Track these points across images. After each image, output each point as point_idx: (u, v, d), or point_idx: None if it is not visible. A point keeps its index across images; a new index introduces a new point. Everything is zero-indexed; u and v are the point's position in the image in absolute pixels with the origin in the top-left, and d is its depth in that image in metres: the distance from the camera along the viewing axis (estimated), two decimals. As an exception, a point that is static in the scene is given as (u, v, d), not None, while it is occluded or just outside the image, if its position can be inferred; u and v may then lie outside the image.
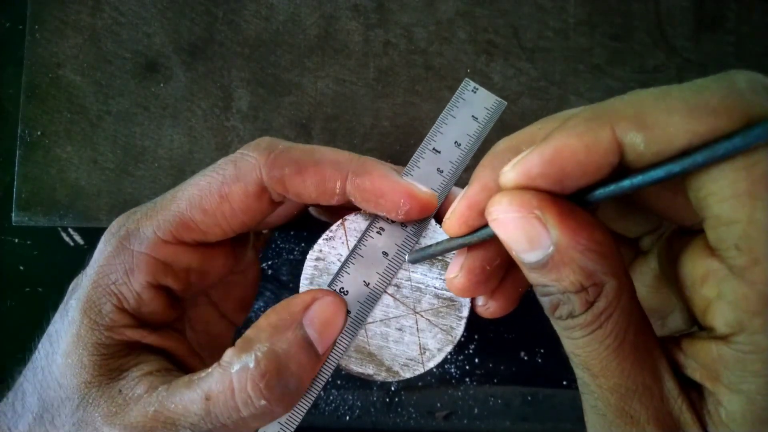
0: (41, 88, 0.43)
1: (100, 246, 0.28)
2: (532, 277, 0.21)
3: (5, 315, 0.46)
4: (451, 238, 0.25)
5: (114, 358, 0.27)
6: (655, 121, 0.18)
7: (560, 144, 0.19)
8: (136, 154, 0.43)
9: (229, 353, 0.25)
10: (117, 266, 0.28)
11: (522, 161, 0.20)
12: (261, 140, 0.28)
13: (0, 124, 0.46)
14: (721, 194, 0.18)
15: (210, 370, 0.25)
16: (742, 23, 0.45)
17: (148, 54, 0.44)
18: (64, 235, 0.46)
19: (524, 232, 0.20)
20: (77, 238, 0.46)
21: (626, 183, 0.19)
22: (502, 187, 0.21)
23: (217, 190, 0.27)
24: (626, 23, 0.45)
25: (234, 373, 0.24)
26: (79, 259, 0.46)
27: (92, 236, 0.46)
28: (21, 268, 0.47)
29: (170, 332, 0.30)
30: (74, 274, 0.41)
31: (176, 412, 0.25)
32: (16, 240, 0.47)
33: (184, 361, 0.30)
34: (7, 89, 0.46)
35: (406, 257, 0.28)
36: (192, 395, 0.25)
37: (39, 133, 0.43)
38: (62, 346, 0.27)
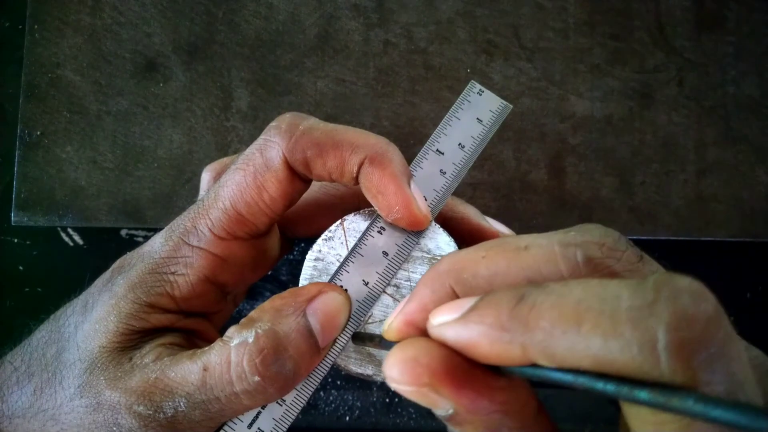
0: (41, 88, 0.43)
1: (159, 240, 0.29)
2: (442, 421, 0.21)
3: (5, 315, 0.46)
4: (390, 342, 0.25)
5: (140, 333, 0.27)
6: (563, 357, 0.17)
7: (471, 339, 0.19)
8: (136, 154, 0.43)
9: (231, 330, 0.26)
10: (178, 260, 0.28)
11: (440, 328, 0.20)
12: (282, 119, 0.28)
13: None
14: (641, 427, 0.18)
15: (213, 344, 0.26)
16: (742, 23, 0.45)
17: (147, 54, 0.44)
18: (63, 235, 0.46)
19: (421, 399, 0.20)
20: (77, 238, 0.46)
21: (539, 374, 0.18)
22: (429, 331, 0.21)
23: (253, 182, 0.28)
24: (626, 23, 0.45)
25: (233, 347, 0.25)
26: (78, 259, 0.46)
27: (92, 236, 0.46)
28: (20, 268, 0.46)
29: (200, 317, 0.30)
30: (74, 274, 0.41)
31: (175, 380, 0.25)
32: (16, 240, 0.46)
33: (207, 341, 0.30)
34: (7, 89, 0.46)
35: (351, 337, 0.28)
36: (192, 366, 0.25)
37: (38, 133, 0.43)
38: (95, 314, 0.28)
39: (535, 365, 0.18)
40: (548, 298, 0.18)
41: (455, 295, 0.22)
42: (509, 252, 0.21)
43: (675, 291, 0.16)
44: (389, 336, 0.23)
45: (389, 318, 0.24)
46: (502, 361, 0.18)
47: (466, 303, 0.20)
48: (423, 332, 0.22)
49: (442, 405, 0.20)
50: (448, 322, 0.20)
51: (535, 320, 0.17)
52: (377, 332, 0.28)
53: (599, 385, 0.16)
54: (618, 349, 0.16)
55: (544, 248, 0.20)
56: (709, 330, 0.16)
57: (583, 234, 0.20)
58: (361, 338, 0.27)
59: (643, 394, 0.16)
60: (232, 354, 0.25)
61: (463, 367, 0.19)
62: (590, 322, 0.16)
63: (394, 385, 0.20)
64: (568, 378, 0.17)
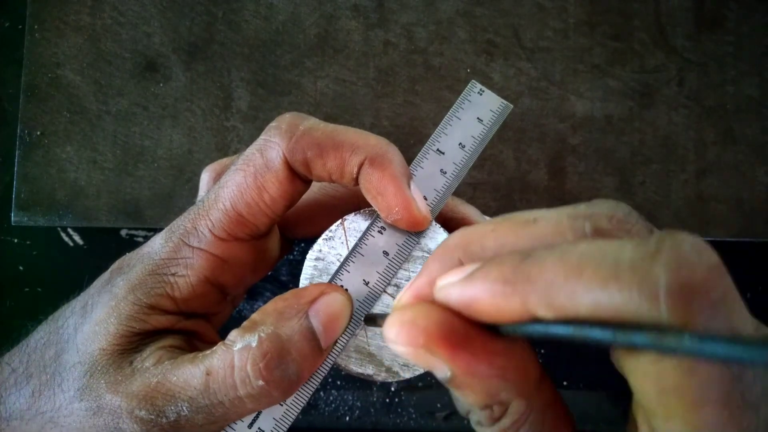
0: (41, 88, 0.43)
1: (159, 241, 0.29)
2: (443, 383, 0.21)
3: (5, 315, 0.46)
4: None
5: (140, 335, 0.27)
6: (562, 304, 0.17)
7: (473, 295, 0.19)
8: (136, 154, 0.43)
9: (233, 333, 0.26)
10: (179, 261, 0.28)
11: (444, 289, 0.20)
12: (282, 119, 0.28)
13: (-1, 124, 0.46)
14: (643, 383, 0.18)
15: (215, 348, 0.26)
16: (742, 23, 0.45)
17: (147, 54, 0.44)
18: (63, 235, 0.46)
19: (419, 361, 0.20)
20: (77, 238, 0.46)
21: (537, 329, 0.18)
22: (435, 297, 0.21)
23: (253, 183, 0.28)
24: (626, 23, 0.45)
25: (236, 351, 0.25)
26: (78, 259, 0.46)
27: (92, 236, 0.46)
28: (21, 268, 0.46)
29: (200, 318, 0.30)
30: (74, 274, 0.41)
31: (177, 384, 0.25)
32: (16, 240, 0.46)
33: (207, 343, 0.30)
34: (7, 89, 0.46)
35: (363, 319, 0.28)
36: (194, 370, 0.25)
37: (38, 133, 0.43)
38: (95, 315, 0.27)
39: (534, 320, 0.18)
40: (553, 253, 0.18)
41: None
42: (518, 224, 0.21)
43: (678, 241, 0.16)
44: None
45: (400, 293, 0.24)
46: (502, 316, 0.19)
47: (471, 266, 0.20)
48: None
49: (439, 367, 0.20)
50: (453, 283, 0.20)
51: (537, 273, 0.18)
52: (378, 331, 0.28)
53: (596, 333, 0.16)
54: (617, 293, 0.16)
55: (552, 221, 0.20)
56: (711, 277, 0.16)
57: (592, 207, 0.20)
58: (373, 318, 0.27)
59: (639, 338, 0.15)
60: (236, 358, 0.25)
61: (460, 331, 0.19)
62: (592, 270, 0.16)
63: (392, 347, 0.20)
64: (567, 330, 0.17)
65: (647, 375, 0.18)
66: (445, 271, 0.22)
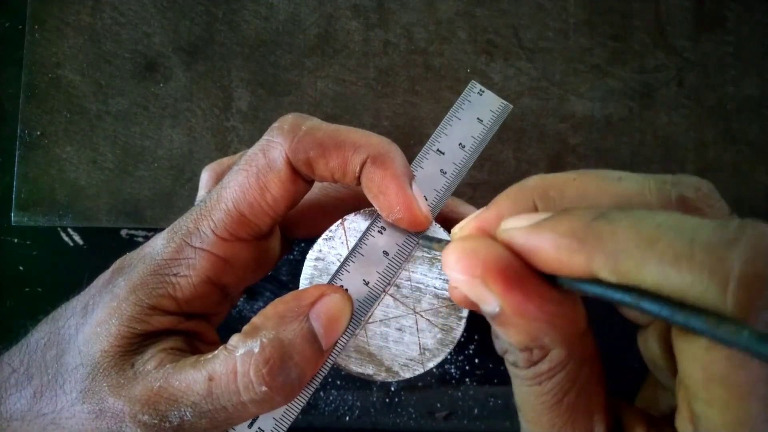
0: (41, 88, 0.43)
1: (161, 241, 0.29)
2: (488, 319, 0.21)
3: (5, 315, 0.46)
4: None
5: (141, 336, 0.27)
6: (628, 270, 0.17)
7: (537, 244, 0.19)
8: (136, 154, 0.43)
9: (235, 338, 0.26)
10: (181, 261, 0.28)
11: (509, 231, 0.20)
12: (285, 120, 0.28)
13: None
14: (692, 366, 0.18)
15: (216, 352, 0.25)
16: (742, 23, 0.45)
17: (147, 54, 0.44)
18: (63, 235, 0.46)
19: (471, 291, 0.20)
20: (77, 238, 0.46)
21: (596, 289, 0.18)
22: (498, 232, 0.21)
23: (256, 183, 0.28)
24: (626, 23, 0.45)
25: (238, 357, 0.25)
26: (78, 259, 0.46)
27: (92, 236, 0.46)
28: (21, 268, 0.46)
29: (200, 318, 0.30)
30: (74, 274, 0.41)
31: (179, 389, 0.25)
32: (16, 240, 0.46)
33: (207, 344, 0.30)
34: (7, 89, 0.46)
35: (420, 240, 0.28)
36: (196, 375, 0.25)
37: (38, 133, 0.43)
38: (96, 316, 0.27)
39: (594, 280, 0.18)
40: (629, 217, 0.18)
41: (536, 211, 0.22)
42: (602, 179, 0.21)
43: (759, 232, 0.16)
44: (457, 238, 0.24)
45: (462, 222, 0.24)
46: (563, 269, 0.19)
47: (542, 215, 0.20)
48: None
49: (490, 301, 0.20)
50: (520, 227, 0.20)
51: (609, 233, 0.17)
52: (378, 331, 0.28)
53: (655, 307, 0.16)
54: (688, 273, 0.16)
55: (638, 182, 0.20)
56: None
57: (679, 177, 0.20)
58: (429, 239, 0.28)
59: (698, 322, 0.15)
60: (238, 364, 0.25)
61: (518, 270, 0.19)
62: (666, 243, 0.16)
63: (448, 272, 0.20)
64: (626, 298, 0.17)
65: (697, 359, 0.17)
66: (516, 211, 0.21)
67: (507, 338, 0.21)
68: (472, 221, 0.23)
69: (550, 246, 0.19)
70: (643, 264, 0.17)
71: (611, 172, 0.21)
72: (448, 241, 0.26)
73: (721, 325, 0.15)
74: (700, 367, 0.17)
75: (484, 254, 0.20)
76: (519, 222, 0.20)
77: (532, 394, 0.22)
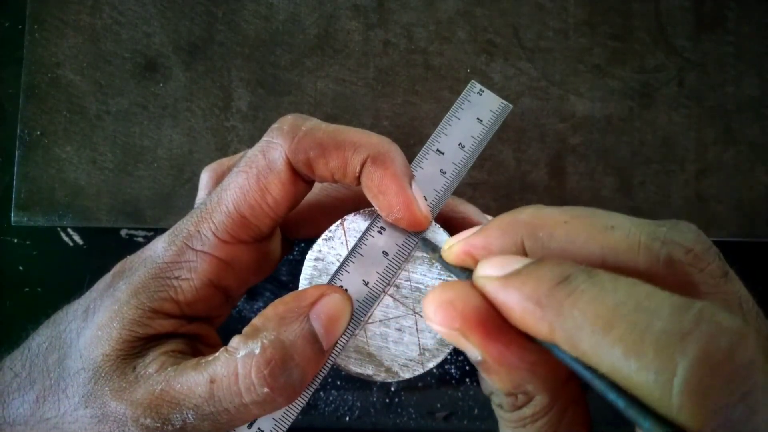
0: (40, 88, 0.43)
1: (162, 244, 0.29)
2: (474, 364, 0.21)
3: (5, 315, 0.46)
4: (445, 262, 0.25)
5: (143, 339, 0.27)
6: (584, 352, 0.17)
7: (506, 302, 0.19)
8: (136, 154, 0.43)
9: (236, 339, 0.26)
10: (182, 264, 0.28)
11: (484, 280, 0.20)
12: (284, 120, 0.28)
13: (-1, 124, 0.46)
14: None
15: (217, 354, 0.25)
16: (742, 23, 0.45)
17: (147, 54, 0.44)
18: (63, 235, 0.46)
19: (452, 342, 0.20)
20: (77, 238, 0.46)
21: (561, 356, 0.18)
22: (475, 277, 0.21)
23: (256, 185, 0.27)
24: (626, 23, 0.45)
25: (239, 359, 0.25)
26: (78, 259, 0.46)
27: (92, 236, 0.46)
28: (20, 268, 0.46)
29: (202, 321, 0.30)
30: (74, 274, 0.41)
31: (181, 392, 0.25)
32: (16, 240, 0.46)
33: (209, 346, 0.30)
34: (7, 89, 0.46)
35: (419, 240, 0.28)
36: (198, 378, 0.25)
37: (38, 133, 0.43)
38: (97, 320, 0.27)
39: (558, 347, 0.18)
40: (590, 289, 0.17)
41: (522, 248, 0.22)
42: (593, 227, 0.20)
43: (714, 329, 0.15)
44: (447, 257, 0.24)
45: (453, 239, 0.24)
46: (529, 333, 0.19)
47: (514, 263, 0.20)
48: (474, 265, 0.22)
49: (471, 350, 0.20)
50: (491, 277, 0.20)
51: (569, 307, 0.17)
52: (377, 331, 0.28)
53: (611, 395, 0.16)
54: (636, 368, 0.15)
55: (630, 235, 0.20)
56: (736, 379, 0.15)
57: (673, 232, 0.20)
58: (426, 244, 0.28)
59: (646, 423, 0.15)
60: (239, 366, 0.24)
61: (497, 320, 0.19)
62: (619, 331, 0.16)
63: (428, 322, 0.20)
64: (585, 374, 0.17)
65: None
66: (502, 243, 0.22)
67: (491, 384, 0.21)
68: (460, 243, 0.23)
69: (516, 308, 0.19)
70: (597, 349, 0.16)
71: (605, 216, 0.21)
72: (440, 253, 0.26)
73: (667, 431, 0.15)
74: None
75: (462, 306, 0.20)
76: (493, 270, 0.20)
77: None
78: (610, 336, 0.16)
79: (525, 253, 0.22)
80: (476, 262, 0.22)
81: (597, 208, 0.21)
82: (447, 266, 0.25)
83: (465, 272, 0.23)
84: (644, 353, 0.15)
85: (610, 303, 0.17)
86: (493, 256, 0.21)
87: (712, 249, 0.20)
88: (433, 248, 0.27)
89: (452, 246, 0.23)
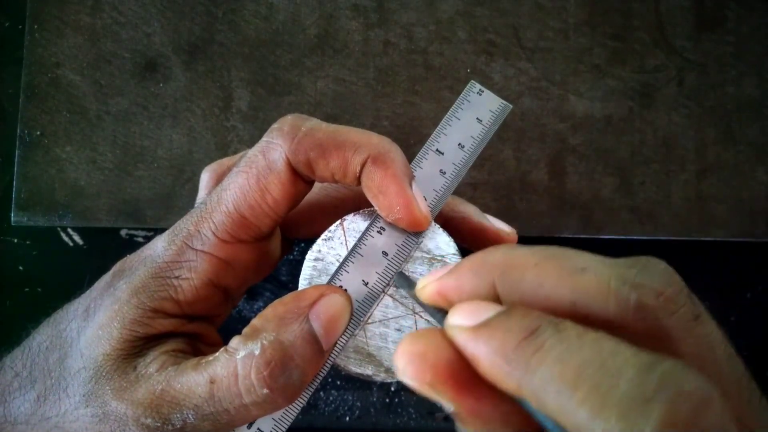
0: (40, 88, 0.43)
1: (162, 243, 0.29)
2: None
3: (5, 315, 0.46)
4: (420, 301, 0.25)
5: (143, 339, 0.27)
6: (551, 411, 0.17)
7: (475, 355, 0.19)
8: (136, 154, 0.43)
9: (235, 340, 0.26)
10: (182, 264, 0.28)
11: (454, 330, 0.20)
12: (284, 121, 0.28)
13: None
14: None
15: (217, 354, 0.25)
16: (742, 23, 0.45)
17: (147, 54, 0.44)
18: (63, 235, 0.46)
19: (423, 393, 0.20)
20: (77, 238, 0.46)
21: (532, 411, 0.18)
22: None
23: (256, 185, 0.27)
24: (626, 23, 0.45)
25: (239, 359, 0.25)
26: (79, 259, 0.46)
27: (92, 236, 0.46)
28: (21, 268, 0.47)
29: (202, 321, 0.30)
30: (74, 274, 0.41)
31: (181, 392, 0.25)
32: (16, 240, 0.46)
33: (209, 345, 0.30)
34: (7, 89, 0.46)
35: (393, 280, 0.28)
36: (198, 378, 0.25)
37: (38, 133, 0.43)
38: (98, 319, 0.27)
39: (527, 401, 0.18)
40: (557, 346, 0.17)
41: (494, 289, 0.21)
42: (563, 270, 0.20)
43: (677, 395, 0.16)
44: (420, 296, 0.24)
45: (427, 278, 0.24)
46: (499, 387, 0.19)
47: (484, 312, 0.20)
48: (450, 305, 0.22)
49: (445, 403, 0.20)
50: (461, 327, 0.20)
51: (536, 365, 0.17)
52: (377, 331, 0.28)
53: None
54: (601, 431, 0.15)
55: (599, 279, 0.20)
56: None
57: (644, 275, 0.20)
58: (405, 280, 0.28)
59: None
60: (239, 367, 0.24)
61: (468, 372, 0.19)
62: (584, 392, 0.16)
63: (399, 376, 0.20)
64: (554, 431, 0.17)
65: None
66: (475, 286, 0.21)
67: None
68: (433, 283, 0.23)
69: (484, 361, 0.19)
70: (564, 408, 0.16)
71: (576, 257, 0.21)
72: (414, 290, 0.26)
73: None
74: None
75: (433, 359, 0.19)
76: (463, 319, 0.20)
77: None
78: (575, 397, 0.16)
79: (497, 295, 0.21)
80: (449, 302, 0.22)
81: (568, 249, 0.21)
82: (422, 305, 0.24)
83: (440, 312, 0.23)
84: (608, 417, 0.15)
85: (575, 362, 0.17)
86: (464, 302, 0.21)
87: (683, 291, 0.20)
88: (409, 284, 0.27)
89: (425, 286, 0.23)
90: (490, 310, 0.20)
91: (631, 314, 0.19)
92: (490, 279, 0.21)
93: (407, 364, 0.20)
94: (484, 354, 0.19)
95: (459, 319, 0.20)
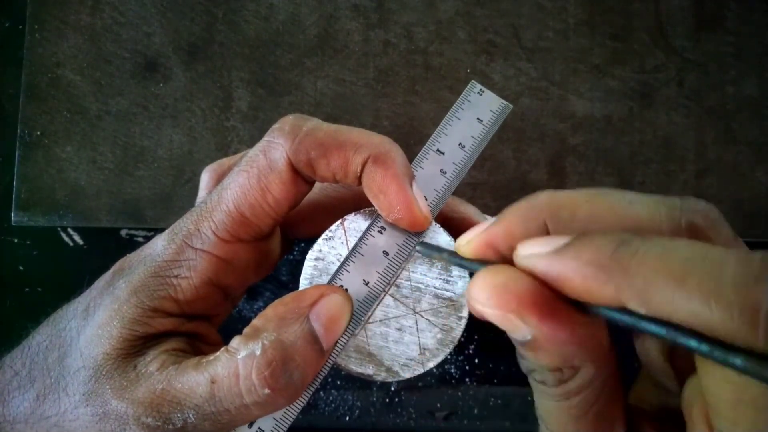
0: (41, 88, 0.43)
1: (162, 242, 0.29)
2: (515, 344, 0.22)
3: (5, 315, 0.46)
4: (461, 257, 0.25)
5: (143, 338, 0.27)
6: (658, 305, 0.17)
7: (563, 273, 0.19)
8: (136, 154, 0.43)
9: (236, 340, 0.26)
10: (182, 263, 0.28)
11: (529, 258, 0.20)
12: (285, 121, 0.28)
13: (-1, 124, 0.46)
14: (721, 387, 0.18)
15: (218, 354, 0.25)
16: (742, 23, 0.45)
17: (147, 54, 0.44)
18: (63, 235, 0.46)
19: (503, 322, 0.20)
20: (77, 238, 0.46)
21: (627, 319, 0.18)
22: (516, 263, 0.21)
23: (257, 184, 0.27)
24: (626, 23, 0.45)
25: (240, 360, 0.25)
26: (79, 259, 0.46)
27: (92, 236, 0.46)
28: (21, 268, 0.46)
29: (202, 320, 0.30)
30: (74, 274, 0.41)
31: (182, 392, 0.25)
32: (16, 240, 0.46)
33: (209, 344, 0.30)
34: (7, 89, 0.46)
35: (417, 246, 0.28)
36: (198, 377, 0.25)
37: (38, 133, 0.43)
38: (97, 318, 0.27)
39: (624, 309, 0.18)
40: (653, 248, 0.18)
41: (546, 231, 0.22)
42: (614, 203, 0.21)
43: None
44: (463, 251, 0.24)
45: (467, 234, 0.24)
46: (591, 299, 0.19)
47: (560, 240, 0.20)
48: (500, 256, 0.22)
49: (522, 331, 0.20)
50: (540, 254, 0.20)
51: (637, 266, 0.18)
52: (378, 331, 0.28)
53: (692, 342, 0.16)
54: (719, 311, 0.16)
55: (649, 206, 0.20)
56: None
57: (688, 203, 0.21)
58: (429, 248, 0.27)
59: (738, 361, 0.16)
60: (240, 367, 0.24)
61: (549, 299, 0.20)
62: (695, 280, 0.16)
63: (479, 307, 0.20)
64: (659, 330, 0.17)
65: (728, 381, 0.18)
66: (526, 230, 0.22)
67: (536, 361, 0.21)
68: (480, 235, 0.23)
69: (576, 275, 0.19)
70: (673, 300, 0.17)
71: (622, 193, 0.21)
72: (447, 251, 0.26)
73: (762, 364, 0.15)
74: (731, 389, 0.18)
75: (515, 288, 0.20)
76: (538, 248, 0.20)
77: (559, 408, 0.22)
78: (685, 287, 0.17)
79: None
80: (497, 253, 0.22)
81: (611, 189, 0.22)
82: (461, 263, 0.24)
83: (484, 265, 0.23)
84: (725, 295, 0.16)
85: (678, 257, 0.17)
86: (531, 238, 0.21)
87: (722, 217, 0.21)
88: (438, 249, 0.27)
89: (469, 240, 0.23)
90: (562, 238, 0.20)
91: (685, 235, 0.20)
92: (540, 221, 0.21)
93: (491, 294, 0.20)
94: (574, 269, 0.19)
95: (535, 248, 0.20)
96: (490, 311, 0.20)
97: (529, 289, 0.20)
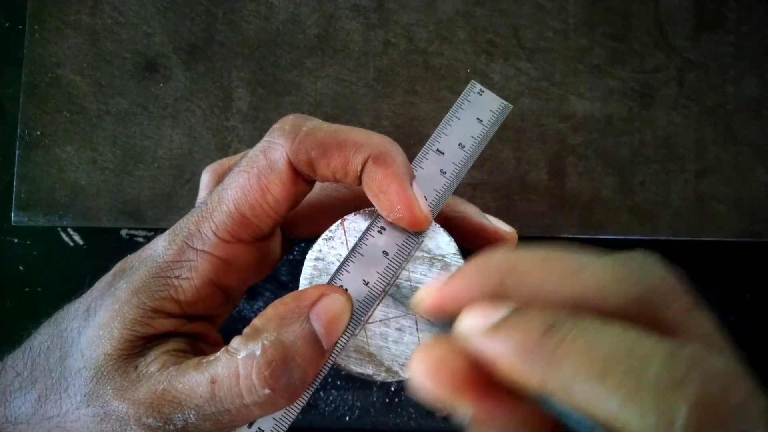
0: (41, 88, 0.43)
1: (162, 243, 0.28)
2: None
3: (5, 315, 0.46)
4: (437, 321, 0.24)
5: (144, 339, 0.27)
6: (580, 402, 0.17)
7: (493, 356, 0.19)
8: (136, 155, 0.43)
9: (236, 340, 0.26)
10: (183, 263, 0.28)
11: (468, 336, 0.20)
12: (285, 121, 0.28)
13: (-1, 124, 0.46)
14: None
15: (218, 354, 0.25)
16: (742, 23, 0.45)
17: (147, 54, 0.44)
18: (63, 235, 0.46)
19: (441, 402, 0.20)
20: (77, 238, 0.46)
21: (557, 408, 0.18)
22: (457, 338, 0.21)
23: (257, 184, 0.27)
24: (626, 23, 0.45)
25: (240, 360, 0.25)
26: (79, 259, 0.46)
27: (92, 236, 0.46)
28: (21, 268, 0.46)
29: (203, 320, 0.30)
30: (74, 274, 0.41)
31: (183, 392, 0.25)
32: (16, 240, 0.46)
33: (210, 345, 0.30)
34: (7, 89, 0.46)
35: (387, 288, 0.28)
36: (199, 378, 0.25)
37: (38, 133, 0.43)
38: (98, 319, 0.27)
39: (550, 398, 0.18)
40: (580, 337, 0.17)
41: (495, 295, 0.21)
42: (564, 269, 0.20)
43: (708, 374, 0.16)
44: (417, 310, 0.23)
45: (423, 291, 0.23)
46: (520, 386, 0.18)
47: (500, 312, 0.19)
48: (452, 316, 0.22)
49: (461, 409, 0.20)
50: (476, 329, 0.19)
51: (560, 357, 0.17)
52: (378, 331, 0.28)
53: None
54: (635, 415, 0.16)
55: (600, 275, 0.20)
56: (733, 420, 0.15)
57: (641, 270, 0.20)
58: (399, 297, 0.28)
59: None
60: (240, 367, 0.24)
61: (486, 378, 0.19)
62: (615, 378, 0.16)
63: (417, 385, 0.20)
64: (586, 426, 0.17)
65: None
66: (480, 290, 0.21)
67: None
68: (435, 291, 0.22)
69: (504, 362, 0.18)
70: (594, 397, 0.16)
71: (576, 257, 0.21)
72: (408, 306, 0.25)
73: None
74: None
75: (452, 368, 0.19)
76: (479, 319, 0.20)
77: None
78: (606, 384, 0.16)
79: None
80: (448, 314, 0.22)
81: (566, 249, 0.21)
82: (422, 319, 0.24)
83: (440, 322, 0.23)
84: (643, 400, 0.16)
85: (602, 351, 0.17)
86: (473, 305, 0.21)
87: (679, 284, 0.20)
88: (403, 301, 0.27)
89: (424, 299, 0.23)
90: (501, 310, 0.19)
91: (632, 309, 0.19)
92: (491, 284, 0.21)
93: (427, 373, 0.19)
94: (503, 354, 0.18)
95: (471, 322, 0.20)
96: (427, 395, 0.20)
97: (467, 369, 0.19)
